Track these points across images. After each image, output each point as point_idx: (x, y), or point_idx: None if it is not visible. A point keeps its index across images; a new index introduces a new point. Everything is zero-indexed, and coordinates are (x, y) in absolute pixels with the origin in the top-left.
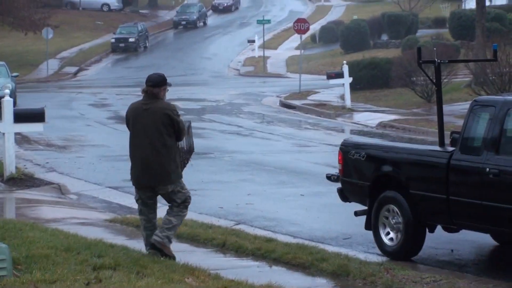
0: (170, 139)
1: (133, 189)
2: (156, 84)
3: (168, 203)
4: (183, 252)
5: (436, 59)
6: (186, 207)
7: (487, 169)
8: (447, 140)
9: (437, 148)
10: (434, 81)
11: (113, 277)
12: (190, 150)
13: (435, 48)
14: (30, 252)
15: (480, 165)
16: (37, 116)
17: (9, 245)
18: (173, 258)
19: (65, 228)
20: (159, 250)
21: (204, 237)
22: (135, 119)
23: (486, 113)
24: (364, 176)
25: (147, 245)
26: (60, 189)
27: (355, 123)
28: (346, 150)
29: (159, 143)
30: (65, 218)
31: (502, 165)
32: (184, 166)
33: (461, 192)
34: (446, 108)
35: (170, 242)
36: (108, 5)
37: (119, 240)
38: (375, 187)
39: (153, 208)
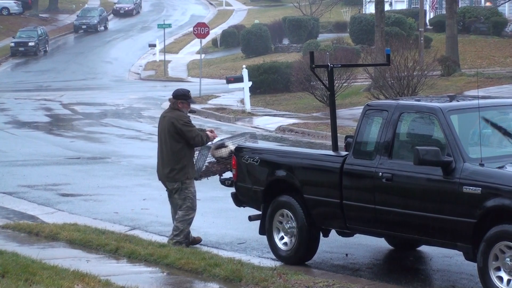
0: (177, 144)
1: (27, 195)
2: (174, 96)
3: (177, 199)
4: (74, 259)
5: (329, 64)
6: (190, 209)
7: (380, 173)
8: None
9: (330, 152)
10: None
11: (0, 284)
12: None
13: (327, 53)
14: None
15: (373, 169)
16: None
17: None
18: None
19: None
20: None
21: (97, 243)
22: (158, 125)
23: (379, 117)
24: (258, 180)
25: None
26: None
27: (254, 127)
28: (240, 154)
29: (166, 147)
30: None
31: (395, 169)
32: (223, 172)
33: (354, 197)
34: (346, 112)
35: (181, 243)
36: (7, 8)
37: (10, 246)
38: (269, 191)
39: (172, 204)
